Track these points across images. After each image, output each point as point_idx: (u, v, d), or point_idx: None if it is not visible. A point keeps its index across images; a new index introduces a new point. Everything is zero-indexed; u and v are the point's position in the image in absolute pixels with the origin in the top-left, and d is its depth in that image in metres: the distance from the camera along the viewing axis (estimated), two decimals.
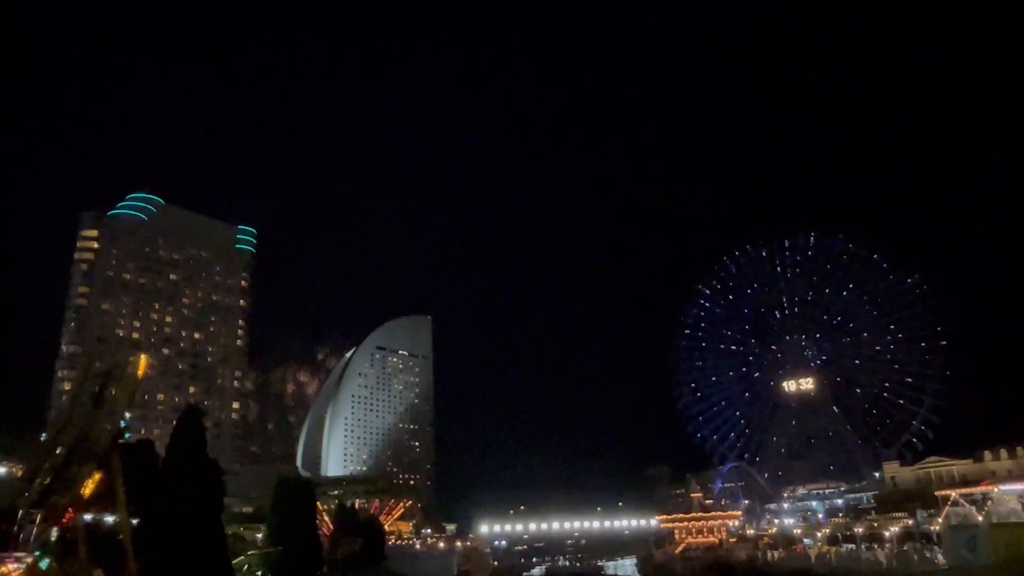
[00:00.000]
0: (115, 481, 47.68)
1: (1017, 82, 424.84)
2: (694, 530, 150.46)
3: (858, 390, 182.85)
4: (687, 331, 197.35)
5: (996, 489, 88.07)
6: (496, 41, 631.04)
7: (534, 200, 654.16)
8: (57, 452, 49.30)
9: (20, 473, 50.17)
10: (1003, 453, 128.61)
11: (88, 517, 49.14)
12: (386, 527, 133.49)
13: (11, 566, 40.72)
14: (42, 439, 53.23)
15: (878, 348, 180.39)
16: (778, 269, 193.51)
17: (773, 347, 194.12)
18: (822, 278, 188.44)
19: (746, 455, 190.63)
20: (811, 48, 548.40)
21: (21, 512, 43.38)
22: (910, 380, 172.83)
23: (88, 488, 47.18)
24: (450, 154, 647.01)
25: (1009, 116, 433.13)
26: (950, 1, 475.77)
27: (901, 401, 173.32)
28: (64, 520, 46.63)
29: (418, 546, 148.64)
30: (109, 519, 51.92)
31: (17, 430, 63.72)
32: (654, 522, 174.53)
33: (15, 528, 42.76)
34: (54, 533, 46.28)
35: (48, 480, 46.78)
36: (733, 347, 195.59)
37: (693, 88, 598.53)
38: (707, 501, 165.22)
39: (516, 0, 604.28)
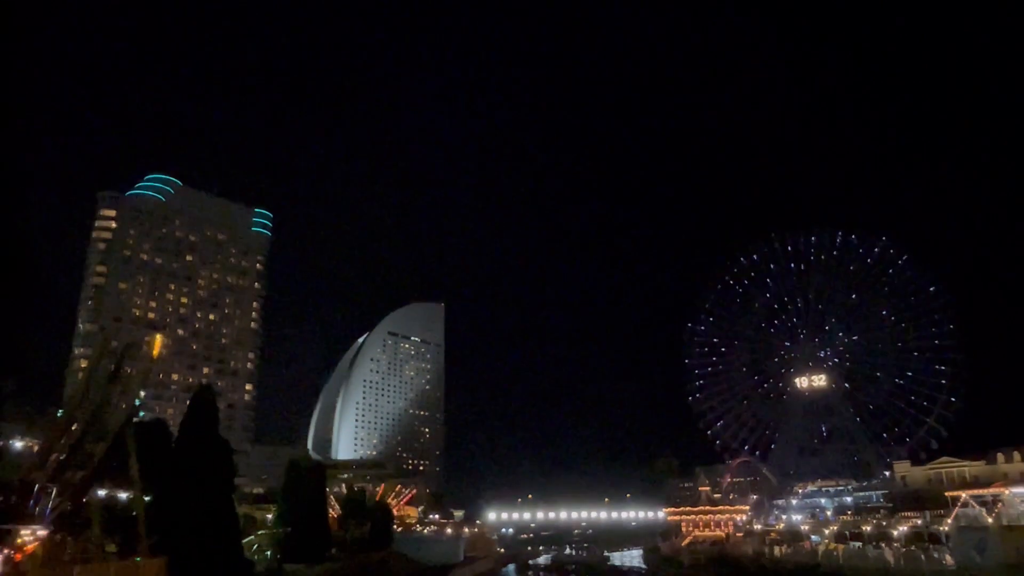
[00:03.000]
0: (129, 458, 48.32)
1: None
2: (701, 524, 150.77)
3: (872, 387, 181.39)
4: (700, 324, 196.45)
5: (1007, 492, 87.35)
6: (512, 34, 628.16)
7: (550, 189, 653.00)
8: (73, 428, 49.99)
9: (37, 448, 50.99)
10: (1016, 455, 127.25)
11: (102, 492, 49.95)
12: (394, 511, 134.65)
13: (27, 537, 41.46)
14: (59, 415, 53.97)
15: (894, 345, 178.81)
16: (792, 264, 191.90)
17: (786, 343, 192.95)
18: (837, 274, 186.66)
19: (756, 450, 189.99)
20: (837, 41, 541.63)
21: (37, 486, 44.09)
22: (924, 378, 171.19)
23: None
24: (466, 142, 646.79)
25: None
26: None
27: (915, 399, 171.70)
28: (79, 495, 47.38)
29: (426, 531, 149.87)
30: (123, 495, 52.78)
31: (34, 406, 64.65)
32: (661, 514, 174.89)
33: (31, 502, 43.48)
34: (69, 507, 47.02)
35: (64, 456, 47.48)
36: (746, 341, 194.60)
37: (719, 78, 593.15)
38: (715, 495, 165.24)
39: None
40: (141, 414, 60.10)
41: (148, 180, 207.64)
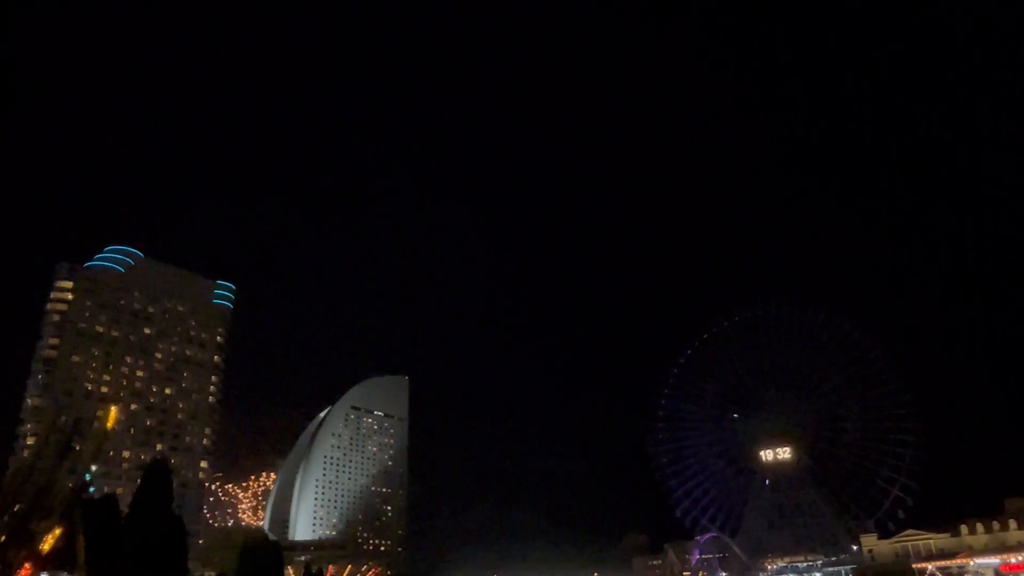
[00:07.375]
0: (76, 537, 46.00)
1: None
2: None
3: (835, 458, 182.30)
4: (665, 399, 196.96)
5: (972, 562, 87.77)
6: (480, 127, 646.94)
7: (514, 262, 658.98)
8: (16, 508, 47.64)
9: None
10: (979, 527, 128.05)
11: (44, 574, 47.19)
12: None
13: None
14: None
15: (856, 418, 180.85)
16: (756, 338, 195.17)
17: (750, 416, 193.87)
18: (800, 348, 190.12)
19: (726, 526, 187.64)
20: (793, 125, 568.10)
21: None
22: (888, 449, 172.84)
23: (47, 543, 45.43)
24: (430, 215, 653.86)
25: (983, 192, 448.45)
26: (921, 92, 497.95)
27: (879, 468, 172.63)
28: None
29: None
30: None
31: None
32: None
33: None
34: None
35: (4, 535, 45.02)
36: (711, 415, 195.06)
37: (676, 160, 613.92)
38: (685, 572, 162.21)
39: (482, 95, 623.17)
40: (91, 489, 57.23)
41: (108, 251, 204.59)
